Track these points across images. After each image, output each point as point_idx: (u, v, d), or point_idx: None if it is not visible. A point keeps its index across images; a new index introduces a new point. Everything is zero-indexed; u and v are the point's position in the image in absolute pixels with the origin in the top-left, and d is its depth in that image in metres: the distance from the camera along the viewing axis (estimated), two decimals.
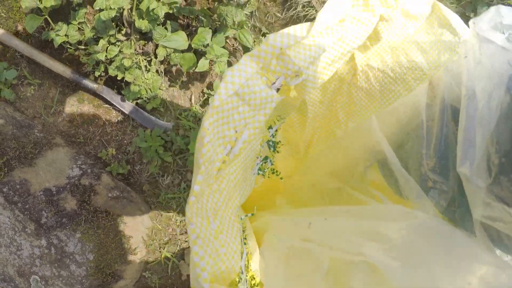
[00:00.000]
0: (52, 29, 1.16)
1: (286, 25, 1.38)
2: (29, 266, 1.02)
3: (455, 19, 0.73)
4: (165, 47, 1.13)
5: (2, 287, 1.06)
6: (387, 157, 0.72)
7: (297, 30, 0.55)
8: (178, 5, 1.10)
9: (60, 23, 1.14)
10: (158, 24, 1.11)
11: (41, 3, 1.08)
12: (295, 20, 1.37)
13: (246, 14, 1.24)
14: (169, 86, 1.35)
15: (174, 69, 1.33)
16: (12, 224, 1.02)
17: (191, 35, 1.21)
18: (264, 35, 1.38)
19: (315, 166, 0.88)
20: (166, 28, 1.16)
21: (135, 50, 1.12)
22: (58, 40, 1.12)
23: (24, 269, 1.02)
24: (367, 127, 0.76)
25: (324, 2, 1.30)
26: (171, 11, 1.11)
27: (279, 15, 1.38)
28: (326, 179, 0.85)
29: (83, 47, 1.19)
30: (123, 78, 1.16)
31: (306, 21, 1.32)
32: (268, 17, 1.38)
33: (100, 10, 1.05)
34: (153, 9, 1.02)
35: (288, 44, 0.54)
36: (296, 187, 0.90)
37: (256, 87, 0.53)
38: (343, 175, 0.84)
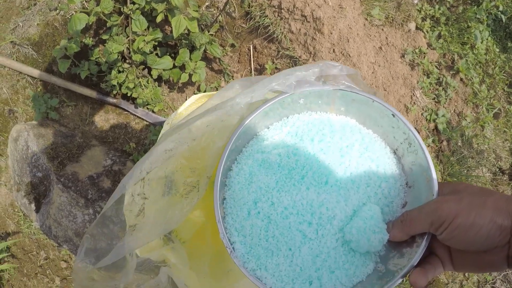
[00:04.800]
0: (77, 66, 1.65)
1: (251, 33, 1.80)
2: (82, 229, 1.52)
3: None
4: (156, 68, 1.59)
5: (65, 247, 1.57)
6: None
7: None
8: (160, 38, 1.55)
9: (82, 61, 1.64)
10: (149, 53, 1.56)
11: (67, 51, 1.56)
12: (256, 28, 1.77)
13: (211, 34, 1.67)
14: (169, 92, 1.81)
15: (171, 79, 1.79)
16: (69, 201, 1.52)
17: (178, 52, 1.66)
18: (232, 45, 1.81)
19: None
20: (157, 54, 1.62)
21: (136, 74, 1.59)
22: (83, 74, 1.61)
23: (79, 231, 1.53)
24: None
25: (275, 12, 1.71)
26: (156, 43, 1.57)
27: (244, 26, 1.80)
28: None
29: (101, 74, 1.67)
30: (132, 94, 1.64)
31: (263, 29, 1.74)
32: (235, 29, 1.81)
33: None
34: (142, 47, 1.47)
35: None
36: None
37: None
38: None
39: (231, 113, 0.66)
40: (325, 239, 0.65)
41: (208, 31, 1.63)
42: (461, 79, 2.13)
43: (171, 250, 0.87)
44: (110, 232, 0.95)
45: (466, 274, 1.91)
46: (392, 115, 0.68)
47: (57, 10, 1.72)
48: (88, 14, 1.49)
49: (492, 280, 1.93)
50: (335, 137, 0.71)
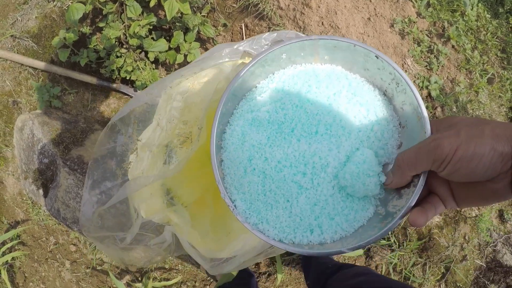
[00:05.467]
0: (76, 54, 1.71)
1: (242, 12, 1.84)
2: None
3: None
4: (153, 51, 1.64)
5: (74, 228, 1.64)
6: None
7: None
8: (155, 22, 1.60)
9: (81, 50, 1.69)
10: (145, 37, 1.61)
11: (66, 40, 1.61)
12: (247, 6, 1.82)
13: (204, 15, 1.72)
14: (166, 73, 1.87)
15: (167, 61, 1.85)
16: (76, 183, 1.59)
17: (172, 35, 1.71)
18: (224, 25, 1.86)
19: None
20: (152, 38, 1.67)
21: (134, 58, 1.64)
22: (82, 61, 1.67)
23: None
24: None
25: None
26: (151, 27, 1.62)
27: (234, 5, 1.85)
28: None
29: (100, 61, 1.73)
30: (131, 77, 1.70)
31: (253, 7, 1.79)
32: (226, 9, 1.85)
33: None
34: (137, 32, 1.53)
35: None
36: None
37: None
38: None
39: (203, 74, 0.71)
40: (321, 187, 0.66)
41: (200, 13, 1.68)
42: (453, 46, 2.15)
43: (174, 212, 0.93)
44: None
45: (466, 237, 1.95)
46: (376, 56, 0.68)
47: (54, 2, 1.78)
48: (84, 3, 1.54)
49: (493, 242, 1.96)
50: (321, 86, 0.72)
